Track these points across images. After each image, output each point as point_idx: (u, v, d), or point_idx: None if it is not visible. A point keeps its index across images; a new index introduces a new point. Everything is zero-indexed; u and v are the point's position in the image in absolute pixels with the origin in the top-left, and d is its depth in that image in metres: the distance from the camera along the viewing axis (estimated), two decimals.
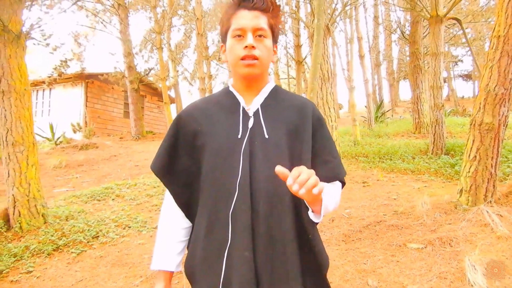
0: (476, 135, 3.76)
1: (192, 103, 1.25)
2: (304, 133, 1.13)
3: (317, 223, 1.13)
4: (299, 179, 0.85)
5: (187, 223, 1.21)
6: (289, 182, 0.85)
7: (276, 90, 1.22)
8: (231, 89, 1.20)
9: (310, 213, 1.06)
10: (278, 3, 1.15)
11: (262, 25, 1.10)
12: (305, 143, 1.13)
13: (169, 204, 1.21)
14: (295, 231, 1.06)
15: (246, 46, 1.08)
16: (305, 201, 1.06)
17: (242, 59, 1.10)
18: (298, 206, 1.08)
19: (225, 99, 1.20)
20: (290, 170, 0.89)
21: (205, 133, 1.14)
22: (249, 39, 1.08)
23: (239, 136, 1.10)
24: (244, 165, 1.06)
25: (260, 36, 1.10)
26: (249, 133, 1.11)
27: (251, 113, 1.15)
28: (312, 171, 0.87)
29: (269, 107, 1.16)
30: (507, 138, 7.70)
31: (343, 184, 1.20)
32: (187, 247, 1.20)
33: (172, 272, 1.20)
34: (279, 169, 0.88)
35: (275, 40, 1.17)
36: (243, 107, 1.16)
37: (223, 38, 1.18)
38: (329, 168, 1.14)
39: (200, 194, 1.14)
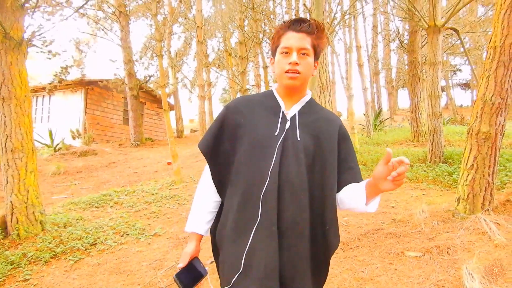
0: (473, 144, 3.79)
1: (238, 98, 1.47)
2: (330, 143, 1.36)
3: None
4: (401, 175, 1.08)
5: (218, 197, 1.43)
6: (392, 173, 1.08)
7: (311, 102, 1.44)
8: (275, 94, 1.42)
9: (367, 206, 1.28)
10: (322, 26, 1.36)
11: (306, 46, 1.32)
12: (331, 151, 1.36)
13: (206, 181, 1.45)
14: (310, 218, 1.29)
15: (291, 63, 1.31)
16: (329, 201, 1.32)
17: (287, 72, 1.32)
18: (312, 200, 1.30)
19: (268, 101, 1.42)
20: (313, 169, 1.30)
21: (247, 126, 1.36)
22: (294, 57, 1.31)
23: (276, 134, 1.33)
24: (277, 158, 1.28)
25: (303, 54, 1.32)
26: (285, 133, 1.33)
27: (288, 117, 1.38)
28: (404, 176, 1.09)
29: (304, 115, 1.39)
30: (504, 147, 7.72)
31: None
32: (218, 219, 1.41)
33: (201, 235, 1.43)
34: (389, 151, 1.10)
35: (316, 57, 1.40)
36: (283, 111, 1.38)
37: (273, 53, 1.41)
38: (354, 173, 1.38)
39: (234, 176, 1.35)
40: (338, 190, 1.36)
